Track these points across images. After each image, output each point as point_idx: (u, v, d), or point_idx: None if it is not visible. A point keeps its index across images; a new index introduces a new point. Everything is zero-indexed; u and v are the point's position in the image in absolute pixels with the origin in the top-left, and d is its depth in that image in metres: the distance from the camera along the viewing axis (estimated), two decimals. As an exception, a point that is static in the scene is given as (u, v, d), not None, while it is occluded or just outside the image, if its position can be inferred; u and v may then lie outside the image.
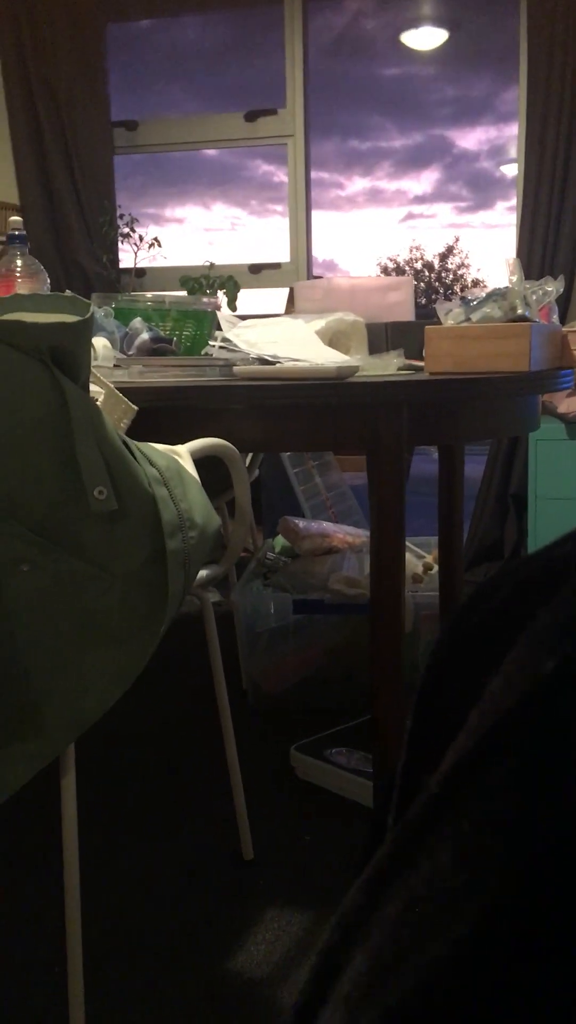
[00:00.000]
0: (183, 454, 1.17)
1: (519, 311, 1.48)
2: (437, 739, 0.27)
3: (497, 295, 1.49)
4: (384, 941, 0.22)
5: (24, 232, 1.54)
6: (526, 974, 0.20)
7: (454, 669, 0.28)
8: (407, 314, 1.94)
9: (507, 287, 1.51)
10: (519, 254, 3.17)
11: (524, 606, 0.26)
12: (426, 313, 2.16)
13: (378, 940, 0.22)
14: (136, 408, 1.24)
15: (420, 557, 2.53)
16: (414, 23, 4.89)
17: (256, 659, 2.17)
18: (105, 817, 1.68)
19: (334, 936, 0.24)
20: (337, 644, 2.16)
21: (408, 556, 2.46)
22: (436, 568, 2.31)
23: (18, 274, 1.51)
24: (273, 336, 1.58)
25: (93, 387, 1.22)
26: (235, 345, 1.55)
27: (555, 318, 1.64)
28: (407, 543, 2.64)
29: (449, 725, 0.26)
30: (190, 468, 1.15)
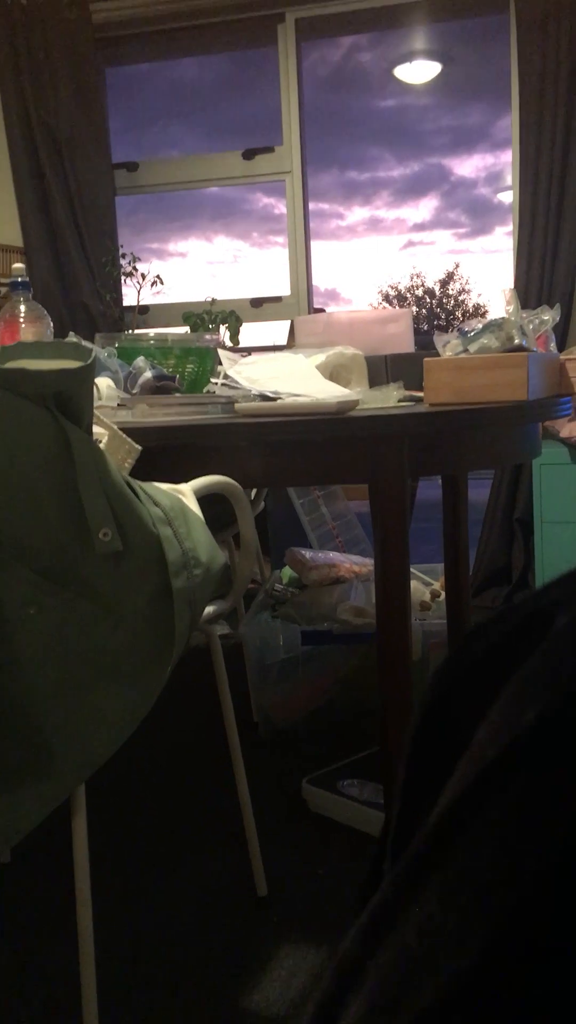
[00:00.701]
0: (187, 493, 1.18)
1: (516, 341, 1.50)
2: (430, 787, 0.28)
3: (494, 326, 1.51)
4: (379, 988, 0.23)
5: (27, 278, 1.57)
6: (514, 1021, 0.20)
7: (444, 717, 0.29)
8: (406, 345, 1.96)
9: (503, 317, 1.53)
10: (516, 281, 3.20)
11: (509, 656, 0.27)
12: (428, 341, 2.18)
13: (373, 988, 0.23)
14: (140, 448, 1.26)
15: (427, 584, 2.53)
16: (407, 57, 4.97)
17: (266, 691, 2.17)
18: (118, 855, 1.67)
19: (330, 984, 0.25)
20: (347, 674, 2.16)
21: (415, 584, 2.47)
22: (443, 595, 2.31)
23: (22, 320, 1.54)
24: (274, 372, 1.60)
25: (97, 428, 1.24)
26: (236, 382, 1.57)
27: (552, 346, 1.66)
28: (414, 570, 2.65)
29: (441, 773, 0.27)
30: (194, 506, 1.16)
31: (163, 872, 1.61)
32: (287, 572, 2.59)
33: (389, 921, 0.24)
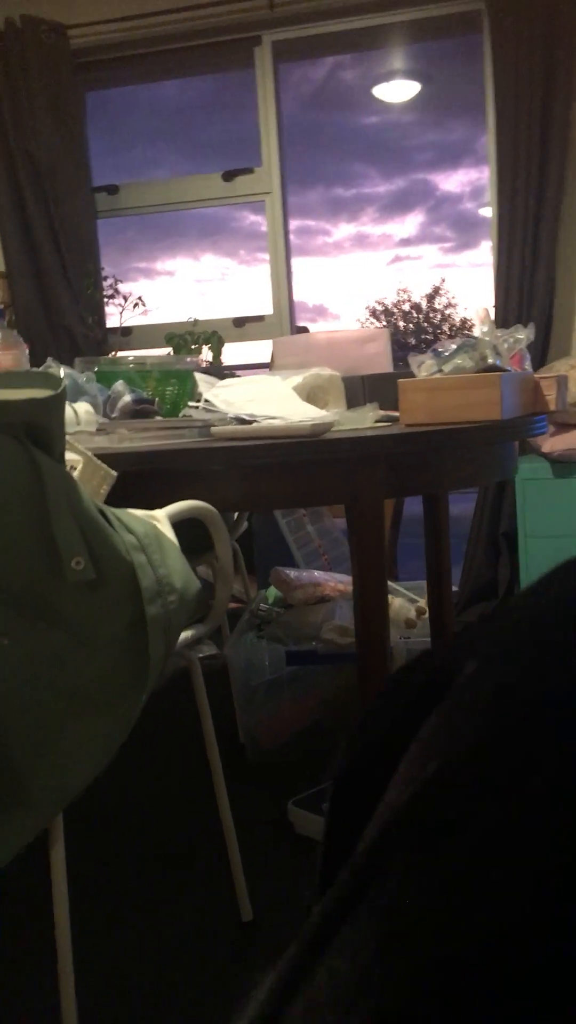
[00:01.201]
0: (161, 519, 1.18)
1: (490, 360, 1.51)
2: (349, 837, 0.28)
3: (468, 346, 1.53)
4: None
5: (1, 306, 1.57)
6: None
7: (363, 770, 0.30)
8: (384, 365, 1.97)
9: (477, 338, 1.54)
10: (496, 296, 3.23)
11: (421, 709, 0.28)
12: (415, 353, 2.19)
13: None
14: (115, 474, 1.27)
15: (413, 601, 2.53)
16: (386, 77, 5.02)
17: (252, 712, 2.16)
18: (97, 884, 1.66)
19: None
20: (333, 694, 2.16)
21: (400, 601, 2.47)
22: (429, 613, 2.31)
23: (-2, 347, 1.55)
24: (251, 395, 1.61)
25: (71, 455, 1.24)
26: (214, 405, 1.58)
27: (527, 364, 1.67)
28: (399, 588, 2.65)
29: (361, 823, 0.27)
30: (168, 533, 1.16)
31: (146, 898, 1.60)
32: (272, 592, 2.59)
33: (302, 974, 0.24)
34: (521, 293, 3.16)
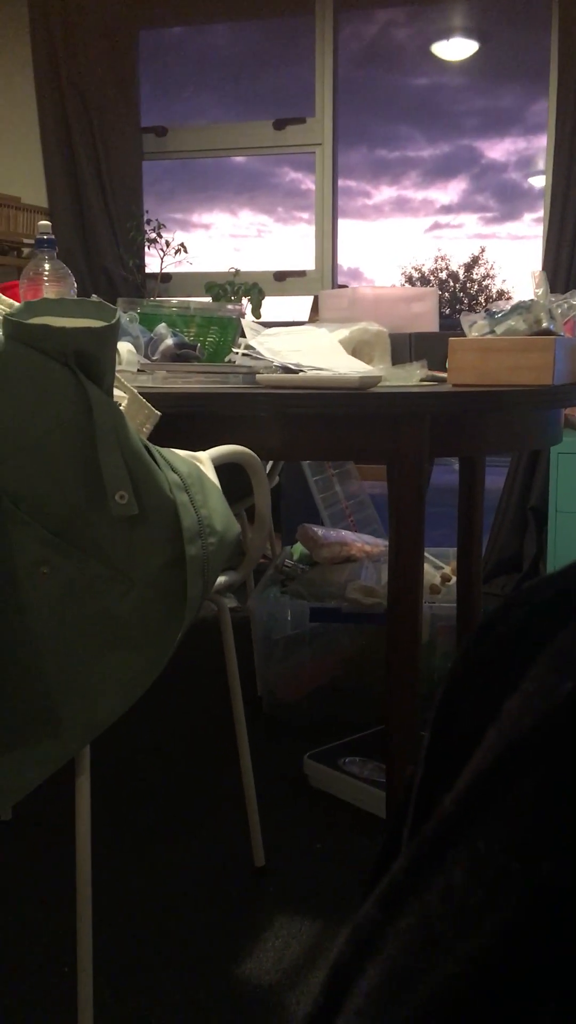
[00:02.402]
0: (204, 460, 1.17)
1: (544, 324, 1.48)
2: (454, 756, 0.27)
3: (522, 308, 1.49)
4: (398, 956, 0.22)
5: (52, 236, 1.55)
6: (540, 992, 0.20)
7: (472, 687, 0.29)
8: (431, 325, 1.94)
9: (532, 300, 1.51)
10: (545, 266, 3.16)
11: (541, 628, 0.27)
12: (450, 324, 2.16)
13: (392, 954, 0.23)
14: (159, 413, 1.25)
15: (438, 568, 2.52)
16: (445, 34, 4.89)
17: (272, 666, 2.17)
18: (117, 821, 1.68)
19: (347, 950, 0.25)
20: (353, 653, 2.16)
21: (426, 567, 2.46)
22: (454, 580, 2.30)
23: (46, 277, 1.53)
24: (297, 345, 1.59)
25: (117, 392, 1.23)
26: (259, 353, 1.56)
27: (580, 332, 1.63)
28: (426, 554, 2.63)
29: (466, 742, 0.26)
30: (211, 475, 1.15)
31: (163, 839, 1.62)
32: (298, 548, 2.58)
33: (411, 888, 0.23)
34: (572, 261, 3.10)
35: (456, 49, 4.98)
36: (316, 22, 3.41)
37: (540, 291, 1.55)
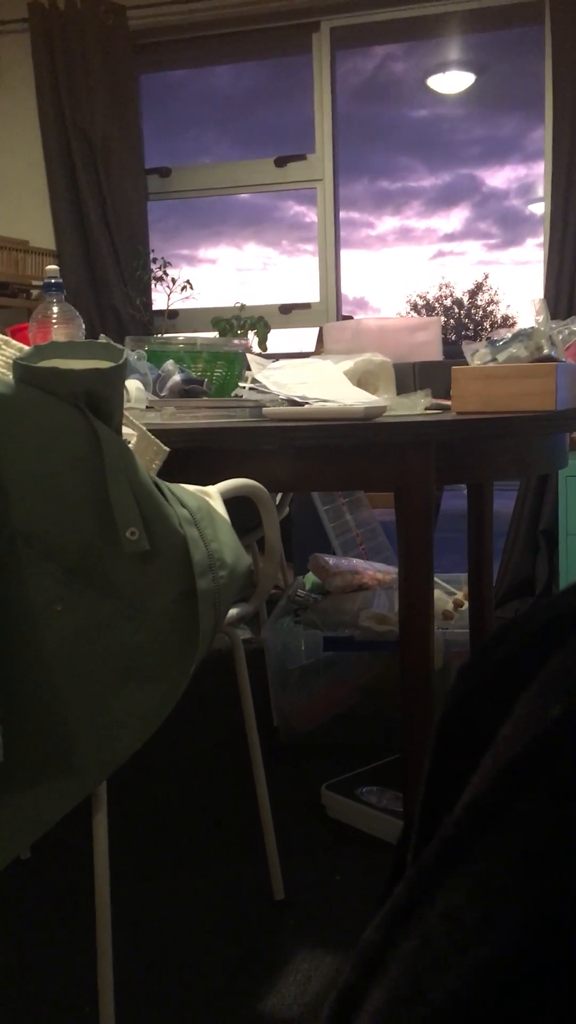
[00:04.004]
0: (213, 495, 1.19)
1: (545, 351, 1.49)
2: (454, 780, 0.28)
3: (523, 335, 1.51)
4: (400, 976, 0.23)
5: (60, 280, 1.59)
6: (539, 1013, 0.21)
7: (471, 712, 0.30)
8: (435, 354, 1.96)
9: (533, 327, 1.53)
10: (546, 292, 3.19)
11: (536, 653, 0.28)
12: (455, 350, 2.18)
13: (395, 976, 0.23)
14: (168, 449, 1.27)
15: (450, 594, 2.52)
16: (441, 68, 4.98)
17: (287, 696, 2.17)
18: (136, 855, 1.68)
19: (353, 973, 0.26)
20: (368, 681, 2.16)
21: (438, 593, 2.46)
22: (466, 605, 2.30)
23: (54, 320, 1.56)
24: (302, 377, 1.61)
25: (126, 429, 1.25)
26: (265, 386, 1.58)
27: (582, 357, 1.65)
28: (437, 579, 2.64)
29: (466, 766, 0.27)
30: (220, 509, 1.17)
31: (181, 873, 1.62)
32: (310, 578, 2.59)
33: (412, 911, 0.24)
34: (572, 287, 3.12)
35: (452, 82, 5.06)
36: (313, 61, 3.48)
37: (541, 318, 1.57)
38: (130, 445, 1.26)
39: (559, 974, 0.21)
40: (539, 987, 0.21)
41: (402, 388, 1.74)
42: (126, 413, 1.25)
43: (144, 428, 1.26)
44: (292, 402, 1.49)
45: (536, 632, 0.29)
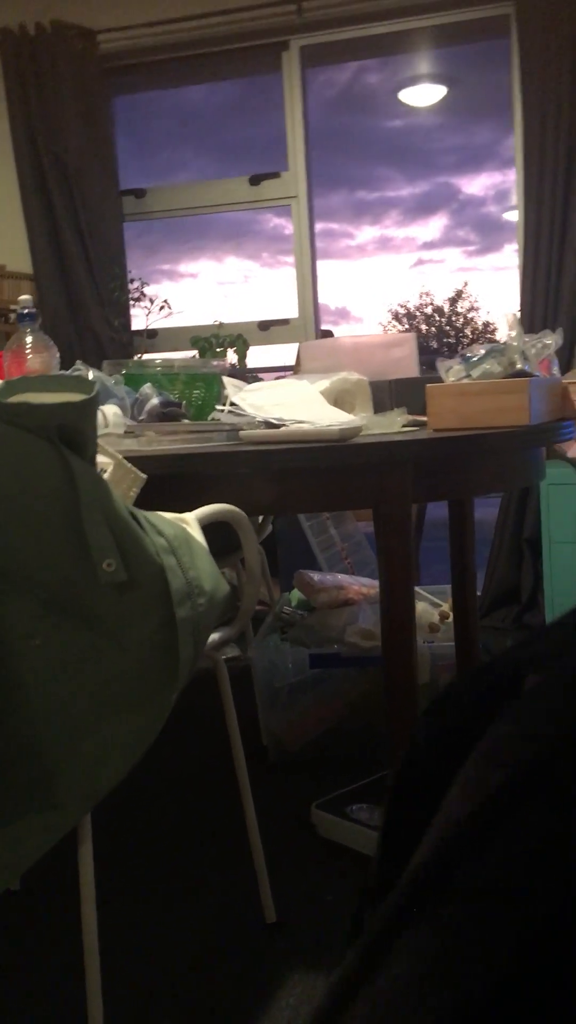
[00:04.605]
0: (190, 522, 1.19)
1: (518, 366, 1.51)
2: (407, 840, 0.28)
3: (496, 351, 1.52)
4: None
5: (33, 309, 1.59)
6: None
7: (422, 772, 0.30)
8: (411, 369, 1.97)
9: (506, 343, 1.54)
10: (522, 301, 3.22)
11: (482, 714, 0.28)
12: (435, 360, 2.19)
13: None
14: (145, 476, 1.28)
15: (436, 606, 2.53)
16: (412, 81, 5.02)
17: (276, 714, 2.17)
18: (124, 882, 1.67)
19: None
20: (356, 697, 2.16)
21: (424, 606, 2.47)
22: (452, 617, 2.31)
23: (28, 351, 1.56)
24: (278, 398, 1.62)
25: (101, 458, 1.25)
26: (241, 409, 1.59)
27: (555, 370, 1.67)
28: (423, 592, 2.65)
29: (418, 825, 0.28)
30: (198, 535, 1.17)
31: (171, 899, 1.61)
32: (296, 595, 2.59)
33: (362, 980, 0.24)
34: (547, 297, 3.15)
35: (424, 95, 5.10)
36: (284, 79, 3.50)
37: (514, 333, 1.58)
38: (106, 474, 1.27)
39: None
40: None
41: (379, 405, 1.75)
42: (101, 442, 1.25)
43: (120, 456, 1.26)
44: (269, 424, 1.50)
45: (484, 692, 0.29)
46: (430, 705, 0.31)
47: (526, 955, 0.21)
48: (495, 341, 1.56)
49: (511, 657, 0.29)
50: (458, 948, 0.22)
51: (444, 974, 0.22)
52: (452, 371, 1.54)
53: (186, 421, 1.69)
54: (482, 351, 1.54)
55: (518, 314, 3.21)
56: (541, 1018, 0.20)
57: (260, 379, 1.99)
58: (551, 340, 1.63)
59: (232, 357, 3.24)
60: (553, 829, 0.23)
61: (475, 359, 1.53)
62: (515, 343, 1.54)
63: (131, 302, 3.54)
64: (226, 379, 1.75)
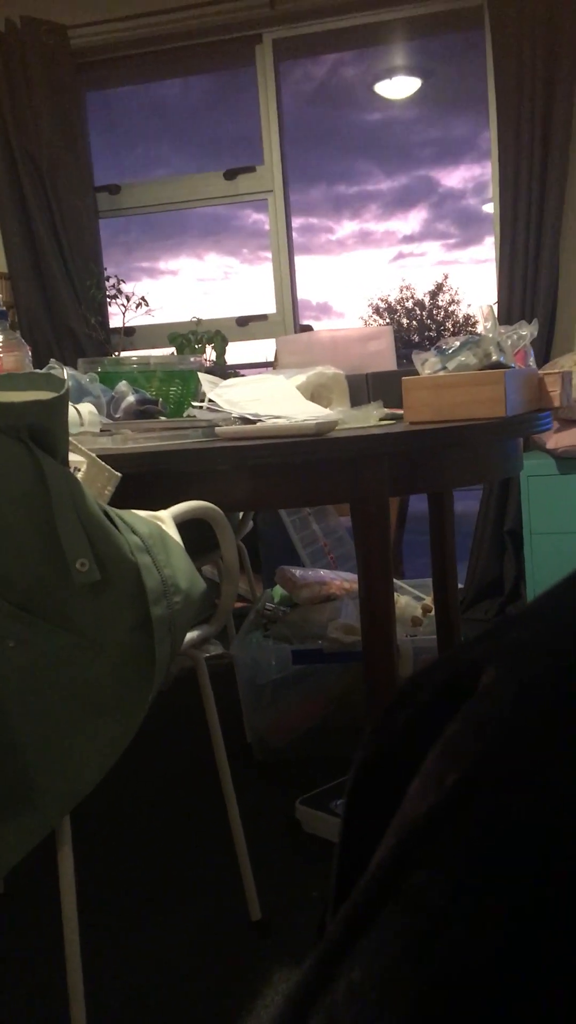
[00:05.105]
0: (166, 519, 1.18)
1: (494, 357, 1.50)
2: (366, 841, 0.28)
3: (471, 343, 1.52)
4: None
5: (3, 308, 1.57)
6: None
7: (378, 775, 0.29)
8: (388, 363, 1.97)
9: (481, 334, 1.53)
10: (499, 293, 3.22)
11: (439, 712, 0.27)
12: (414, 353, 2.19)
13: None
14: (119, 475, 1.26)
15: (419, 599, 2.53)
16: (387, 73, 5.01)
17: (259, 712, 2.16)
18: (106, 884, 1.66)
19: None
20: (340, 692, 2.16)
21: (406, 599, 2.47)
22: (434, 610, 2.31)
23: None
24: (255, 394, 1.61)
25: (75, 457, 1.24)
26: (217, 405, 1.58)
27: (531, 361, 1.66)
28: (405, 585, 2.65)
29: (377, 827, 0.27)
30: (173, 533, 1.16)
31: (155, 897, 1.60)
32: (278, 591, 2.59)
33: (321, 987, 0.24)
34: (524, 289, 3.15)
35: (400, 87, 5.10)
36: (258, 73, 3.49)
37: (489, 324, 1.58)
38: (80, 473, 1.25)
39: None
40: None
41: (356, 399, 1.74)
42: (74, 440, 1.23)
43: (94, 455, 1.25)
44: (245, 420, 1.49)
45: (440, 690, 0.29)
46: (388, 705, 0.30)
47: (485, 953, 0.21)
48: (476, 334, 1.56)
49: (469, 652, 0.28)
50: (419, 948, 0.22)
51: (404, 975, 0.21)
52: (428, 363, 1.54)
53: (162, 419, 1.68)
54: (457, 343, 1.54)
55: (494, 306, 3.21)
56: (500, 1019, 0.20)
57: (239, 375, 1.98)
58: (526, 331, 1.63)
59: (211, 354, 3.23)
60: (507, 827, 0.22)
61: (451, 351, 1.53)
62: (490, 335, 1.53)
63: (108, 300, 3.51)
64: (202, 375, 1.74)
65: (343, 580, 2.53)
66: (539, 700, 0.24)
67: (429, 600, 2.47)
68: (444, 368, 1.51)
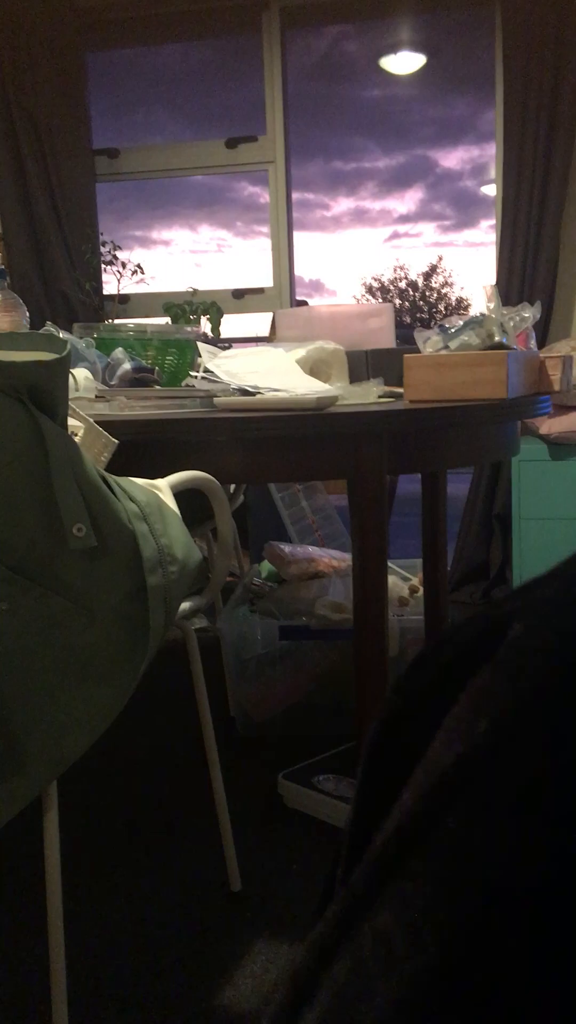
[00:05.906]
0: (163, 488, 1.17)
1: (496, 338, 1.49)
2: (385, 795, 0.27)
3: (474, 323, 1.51)
4: (331, 1002, 0.23)
5: (2, 267, 1.55)
6: None
7: (402, 725, 0.29)
8: (388, 340, 1.95)
9: (484, 315, 1.52)
10: (498, 276, 3.20)
11: (467, 665, 0.27)
12: (410, 334, 2.18)
13: (326, 1002, 0.23)
14: (116, 442, 1.25)
15: (406, 580, 2.53)
16: (392, 48, 4.95)
17: (244, 686, 2.16)
18: (89, 851, 1.66)
19: (285, 998, 0.25)
20: (325, 670, 2.16)
21: (394, 579, 2.47)
22: (422, 591, 2.31)
23: (-3, 309, 1.52)
24: (254, 366, 1.59)
25: (72, 421, 1.22)
26: (216, 376, 1.56)
27: (532, 344, 1.66)
28: (392, 566, 2.65)
29: (396, 781, 0.27)
30: (170, 502, 1.15)
31: (136, 867, 1.61)
32: (266, 566, 2.58)
33: (342, 934, 0.24)
34: (524, 272, 3.14)
35: (404, 62, 5.04)
36: (263, 41, 3.43)
37: (492, 305, 1.56)
38: (77, 438, 1.24)
39: (483, 992, 0.20)
40: (462, 1007, 0.20)
41: (355, 375, 1.73)
42: (73, 405, 1.22)
43: (92, 420, 1.23)
44: (244, 392, 1.47)
45: (468, 643, 0.28)
46: (413, 661, 0.30)
47: (521, 894, 0.21)
48: (479, 314, 1.55)
49: (494, 610, 0.28)
50: (452, 891, 0.21)
51: (436, 919, 0.21)
52: (430, 342, 1.53)
53: (158, 387, 1.66)
54: (460, 322, 1.53)
55: (495, 287, 3.19)
56: (528, 979, 0.20)
57: (233, 348, 1.96)
58: (529, 313, 1.62)
59: (206, 325, 3.20)
60: (543, 772, 0.22)
61: (453, 330, 1.51)
62: (493, 315, 1.52)
63: (103, 266, 3.47)
64: (201, 345, 1.72)
65: (331, 558, 2.53)
66: (572, 650, 0.24)
67: (417, 580, 2.47)
68: (446, 347, 1.50)
